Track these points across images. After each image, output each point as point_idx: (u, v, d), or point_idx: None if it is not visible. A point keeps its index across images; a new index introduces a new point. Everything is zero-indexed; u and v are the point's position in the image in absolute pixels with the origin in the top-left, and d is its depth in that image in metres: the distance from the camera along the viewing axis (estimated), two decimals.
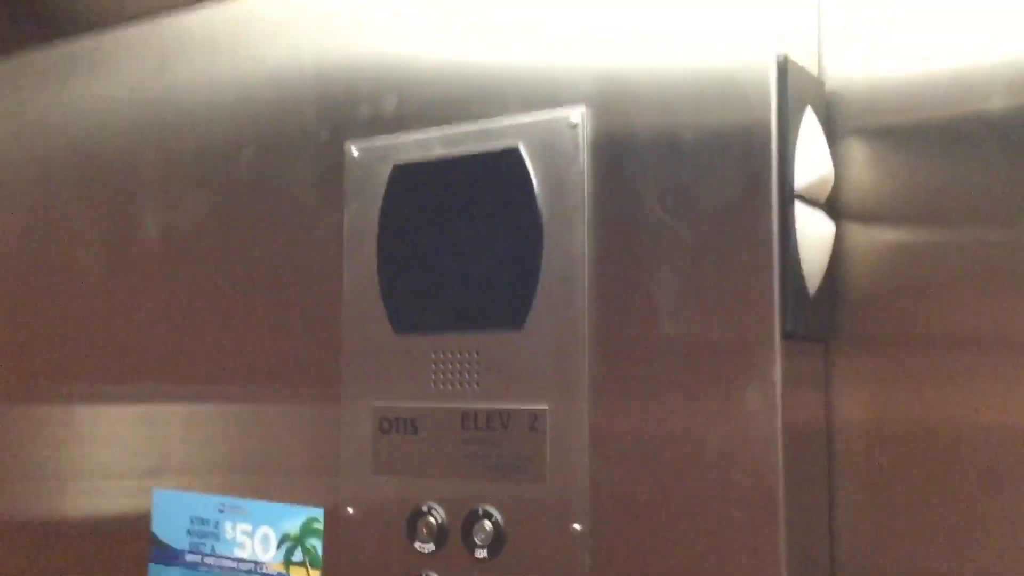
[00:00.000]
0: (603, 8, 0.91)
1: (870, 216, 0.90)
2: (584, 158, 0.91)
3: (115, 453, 1.22)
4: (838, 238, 0.90)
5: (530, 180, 0.94)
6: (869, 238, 0.90)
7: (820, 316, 0.88)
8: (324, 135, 1.08)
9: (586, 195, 0.91)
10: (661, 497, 0.86)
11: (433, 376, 0.98)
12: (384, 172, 1.02)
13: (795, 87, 0.85)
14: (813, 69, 0.91)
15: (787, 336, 0.82)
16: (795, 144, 0.84)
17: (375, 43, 1.05)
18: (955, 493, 0.85)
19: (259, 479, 1.10)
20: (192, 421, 1.16)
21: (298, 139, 1.10)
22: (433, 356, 0.98)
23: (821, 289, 0.87)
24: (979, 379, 0.84)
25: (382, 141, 1.03)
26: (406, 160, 1.01)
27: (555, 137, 0.93)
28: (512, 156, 0.95)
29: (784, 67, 0.83)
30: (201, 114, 1.18)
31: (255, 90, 1.14)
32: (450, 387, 0.96)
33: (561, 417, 0.90)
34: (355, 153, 1.05)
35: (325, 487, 1.04)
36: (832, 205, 0.90)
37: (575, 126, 0.92)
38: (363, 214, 1.03)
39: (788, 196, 0.83)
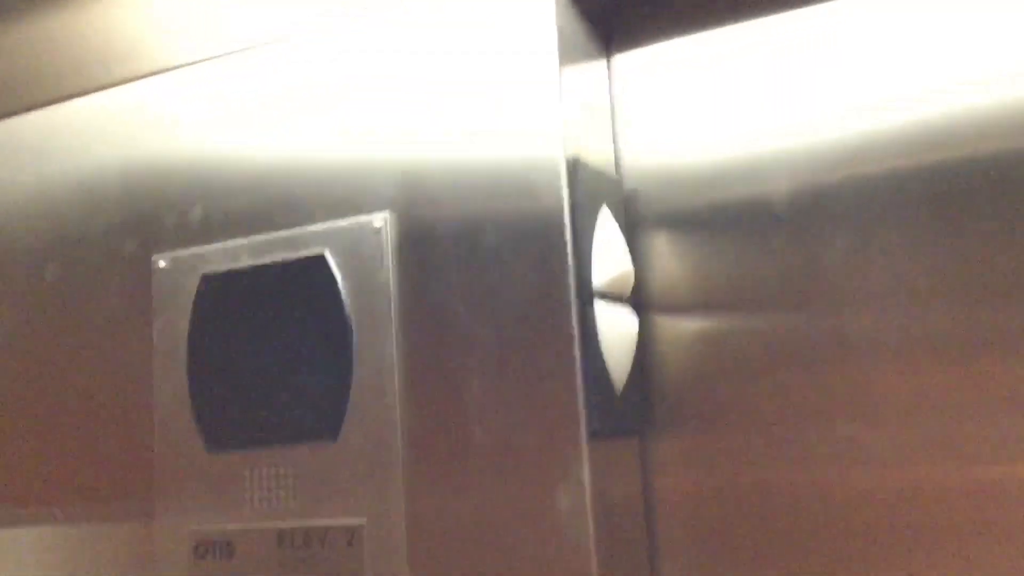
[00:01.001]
0: (403, 117, 0.91)
1: (675, 307, 0.91)
2: (389, 263, 0.90)
3: None
4: (646, 331, 0.91)
5: (337, 287, 0.92)
6: (675, 328, 0.91)
7: (629, 411, 0.88)
8: (130, 246, 1.05)
9: (393, 300, 0.90)
10: None
11: (249, 495, 0.94)
12: (192, 283, 0.99)
13: (588, 187, 0.86)
14: (610, 167, 0.92)
15: (594, 435, 0.82)
16: (592, 243, 0.85)
17: (181, 154, 1.03)
18: (775, 552, 0.86)
19: None
20: (5, 547, 1.09)
21: (104, 250, 1.06)
22: (248, 474, 0.94)
23: (629, 384, 0.87)
24: (784, 448, 0.86)
25: (189, 252, 1.00)
26: (214, 270, 0.98)
27: (360, 243, 0.92)
28: (318, 263, 0.93)
29: (575, 170, 0.84)
30: (6, 226, 1.13)
31: (61, 201, 1.10)
32: (266, 505, 0.93)
33: (379, 530, 0.88)
34: (162, 264, 1.01)
35: None
36: (637, 299, 0.91)
37: (379, 231, 0.91)
38: (172, 327, 1.00)
39: (588, 295, 0.83)
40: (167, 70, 1.05)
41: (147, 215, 1.04)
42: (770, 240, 0.88)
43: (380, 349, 0.89)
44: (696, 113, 0.92)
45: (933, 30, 0.85)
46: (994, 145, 0.82)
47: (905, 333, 0.83)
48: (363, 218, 0.92)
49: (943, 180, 0.83)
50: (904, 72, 0.85)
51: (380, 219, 0.91)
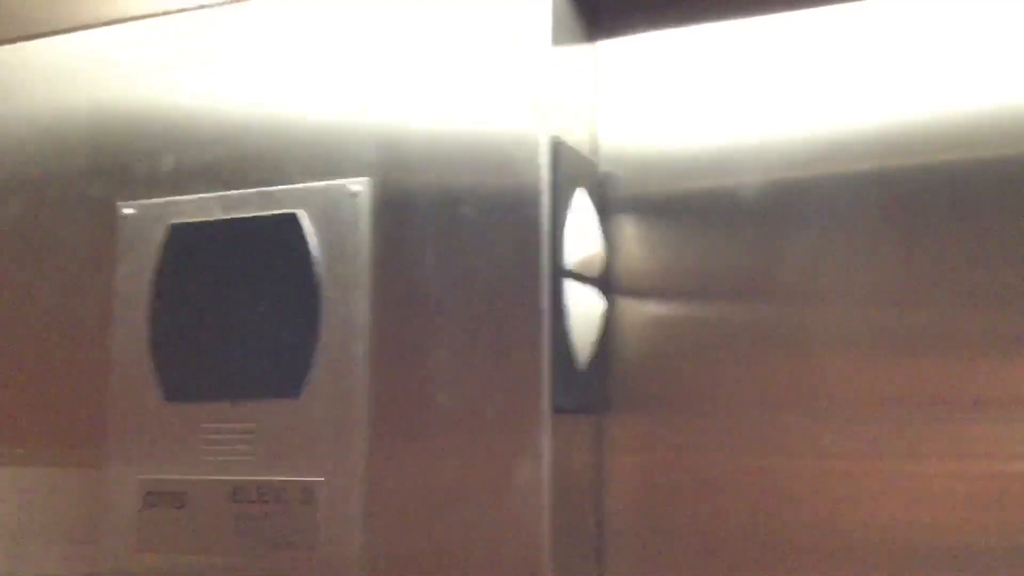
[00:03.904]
0: (390, 83, 0.92)
1: (640, 291, 0.93)
2: (366, 227, 0.91)
3: None
4: (611, 313, 0.93)
5: (309, 247, 0.92)
6: (639, 312, 0.93)
7: (591, 390, 0.90)
8: (96, 191, 1.04)
9: (367, 264, 0.90)
10: (435, 569, 0.85)
11: (204, 447, 0.94)
12: (159, 232, 0.99)
13: (567, 168, 0.87)
14: (587, 149, 0.94)
15: (557, 411, 0.84)
16: (566, 223, 0.87)
17: (155, 102, 1.02)
18: (718, 536, 0.89)
19: (17, 548, 1.02)
20: None
21: (69, 193, 1.05)
22: (205, 426, 0.94)
23: (592, 363, 0.90)
24: (735, 435, 0.89)
25: (158, 201, 0.99)
26: (183, 220, 0.98)
27: (336, 205, 0.92)
28: (291, 221, 0.93)
29: (557, 149, 0.86)
30: None
31: (26, 139, 1.08)
32: (222, 459, 0.93)
33: (336, 489, 0.89)
34: (128, 211, 1.01)
35: (86, 561, 0.98)
36: (604, 281, 0.93)
37: (356, 195, 0.91)
38: (135, 275, 0.99)
39: (559, 273, 0.85)
40: (148, 16, 1.03)
41: (115, 161, 1.03)
42: (737, 232, 0.91)
43: (350, 311, 0.90)
44: (674, 103, 0.94)
45: (904, 40, 0.88)
46: (954, 154, 0.86)
47: (860, 331, 0.86)
48: (341, 181, 0.92)
49: (905, 185, 0.86)
50: (874, 79, 0.88)
51: (358, 184, 0.91)
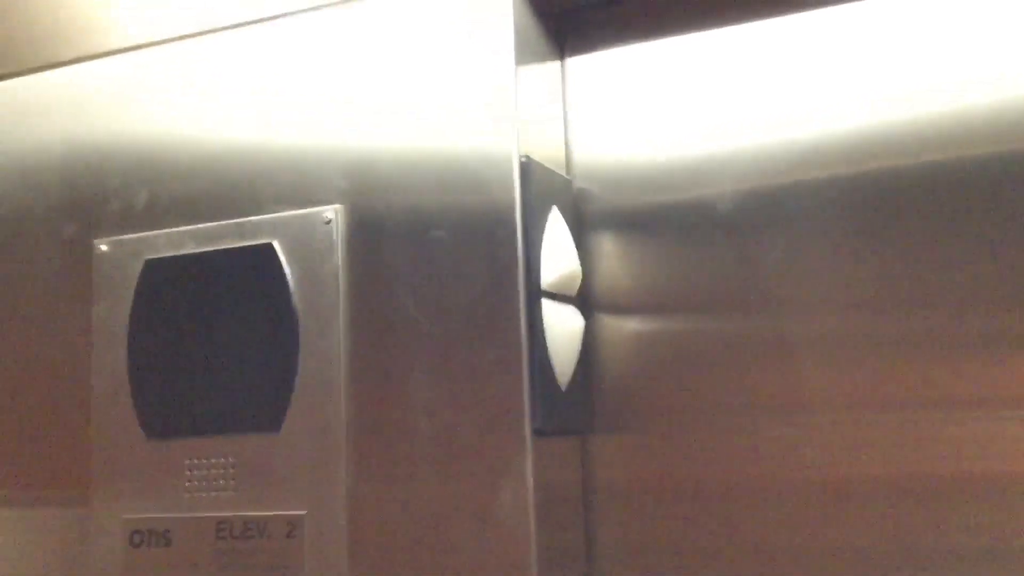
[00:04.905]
0: (358, 110, 0.91)
1: (619, 307, 0.92)
2: (339, 255, 0.90)
3: None
4: (591, 330, 0.92)
5: (285, 277, 0.91)
6: (619, 328, 0.92)
7: (574, 410, 0.89)
8: (71, 229, 1.03)
9: (342, 292, 0.90)
10: None
11: (188, 483, 0.93)
12: (135, 268, 0.98)
13: (540, 186, 0.87)
14: (561, 167, 0.93)
15: (539, 434, 0.82)
16: (542, 241, 0.86)
17: (127, 137, 1.01)
18: (707, 546, 0.88)
19: None
20: None
21: (43, 232, 1.04)
22: (187, 462, 0.93)
23: (574, 383, 0.88)
24: (720, 446, 0.88)
25: (132, 236, 0.99)
26: (158, 256, 0.97)
27: (310, 234, 0.91)
28: (267, 252, 0.92)
29: (527, 168, 0.85)
30: None
31: None
32: (205, 495, 0.92)
33: (320, 522, 0.88)
34: (104, 248, 1.00)
35: None
36: (583, 298, 0.92)
37: (329, 222, 0.91)
38: (112, 312, 0.98)
39: (535, 293, 0.84)
40: (116, 51, 1.03)
41: (89, 198, 1.02)
42: (714, 242, 0.90)
43: (327, 341, 0.89)
44: (646, 116, 0.93)
45: (874, 44, 0.87)
46: (928, 156, 0.85)
47: (838, 337, 0.85)
48: (314, 209, 0.91)
49: (880, 188, 0.86)
50: (845, 84, 0.87)
51: (331, 211, 0.91)
